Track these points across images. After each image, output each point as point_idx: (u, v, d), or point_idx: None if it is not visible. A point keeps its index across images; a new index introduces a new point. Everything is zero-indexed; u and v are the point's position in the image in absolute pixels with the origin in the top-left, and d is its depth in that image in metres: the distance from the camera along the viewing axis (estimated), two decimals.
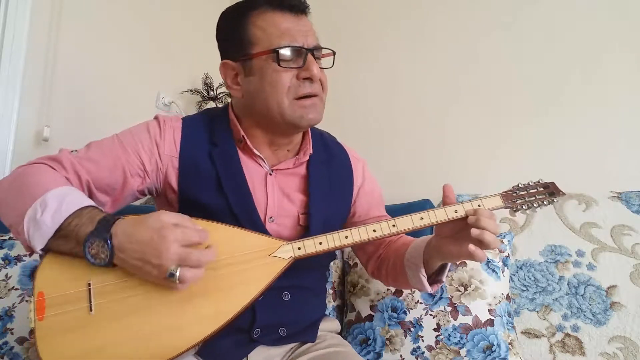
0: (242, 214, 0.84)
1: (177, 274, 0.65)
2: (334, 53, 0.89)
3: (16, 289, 1.16)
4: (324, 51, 0.88)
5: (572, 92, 1.55)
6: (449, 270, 0.87)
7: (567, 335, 1.18)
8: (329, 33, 2.00)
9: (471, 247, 0.74)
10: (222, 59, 0.90)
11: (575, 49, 1.56)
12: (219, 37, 0.91)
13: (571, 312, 1.20)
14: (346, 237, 0.78)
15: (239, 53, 0.85)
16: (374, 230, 0.79)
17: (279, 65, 0.81)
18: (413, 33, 1.84)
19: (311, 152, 0.94)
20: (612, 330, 1.15)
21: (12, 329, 1.13)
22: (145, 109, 1.77)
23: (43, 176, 0.75)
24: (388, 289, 1.23)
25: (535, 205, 0.83)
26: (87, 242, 0.68)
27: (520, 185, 0.84)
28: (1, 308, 1.15)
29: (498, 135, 1.64)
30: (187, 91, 1.91)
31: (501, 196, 0.82)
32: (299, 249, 0.77)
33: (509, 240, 1.29)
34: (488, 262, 1.22)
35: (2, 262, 1.20)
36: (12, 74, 1.31)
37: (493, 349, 1.10)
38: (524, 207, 0.82)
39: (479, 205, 0.79)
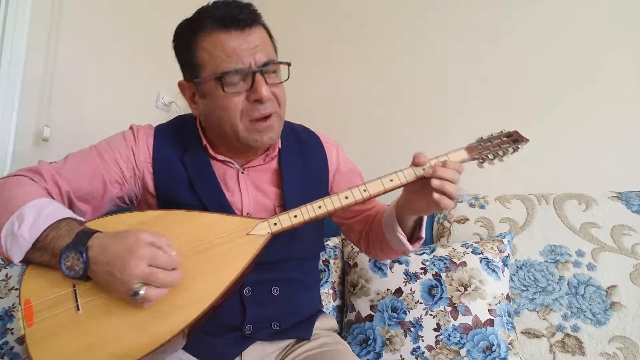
0: (216, 211, 0.85)
1: (142, 293, 0.65)
2: (288, 65, 0.85)
3: (16, 289, 1.17)
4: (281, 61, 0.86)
5: (573, 92, 1.55)
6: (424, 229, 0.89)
7: (567, 335, 1.18)
8: (332, 38, 2.01)
9: (435, 195, 0.75)
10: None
11: (576, 49, 1.56)
12: (175, 55, 0.90)
13: (571, 312, 1.20)
14: (319, 207, 0.79)
15: (190, 75, 0.86)
16: (346, 197, 0.80)
17: (224, 91, 0.80)
18: (417, 40, 1.84)
19: (279, 146, 0.95)
20: (612, 330, 1.15)
21: (12, 329, 1.13)
22: (145, 109, 1.77)
23: (21, 189, 0.76)
24: (388, 289, 1.23)
25: (501, 154, 0.84)
26: (64, 254, 0.68)
27: (483, 137, 0.85)
28: (1, 308, 1.15)
29: None
30: None
31: (466, 149, 0.83)
32: (275, 224, 0.78)
33: (509, 240, 1.29)
34: (488, 262, 1.22)
35: (2, 262, 1.20)
36: (12, 74, 1.31)
37: (493, 349, 1.10)
38: (489, 156, 0.83)
39: (446, 161, 0.80)
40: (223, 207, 0.87)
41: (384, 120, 1.86)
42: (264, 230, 0.78)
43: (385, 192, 0.80)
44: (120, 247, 0.67)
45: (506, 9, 1.68)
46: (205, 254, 0.75)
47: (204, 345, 0.84)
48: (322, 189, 0.99)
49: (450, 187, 0.75)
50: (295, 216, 0.78)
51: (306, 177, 0.96)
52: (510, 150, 0.84)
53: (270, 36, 0.87)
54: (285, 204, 0.90)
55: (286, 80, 0.86)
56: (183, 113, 1.84)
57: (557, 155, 1.53)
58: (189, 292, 0.72)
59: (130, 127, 0.93)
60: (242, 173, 0.92)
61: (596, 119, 1.51)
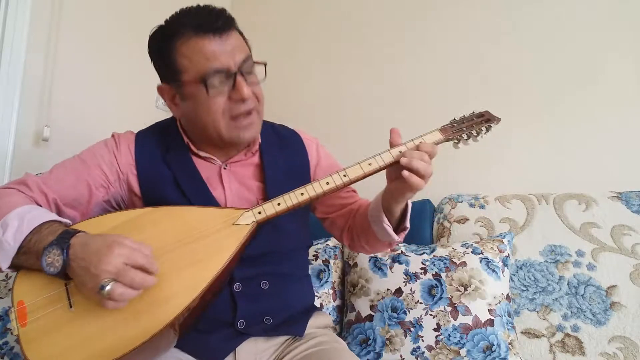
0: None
1: (107, 287, 0.64)
2: (265, 64, 0.89)
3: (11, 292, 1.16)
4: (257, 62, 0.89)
5: (573, 92, 1.55)
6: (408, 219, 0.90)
7: (567, 335, 1.18)
8: (332, 39, 2.01)
9: (405, 172, 0.76)
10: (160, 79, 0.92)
11: (576, 49, 1.56)
12: (151, 60, 0.92)
13: (571, 312, 1.20)
14: (302, 194, 0.81)
15: (170, 79, 0.88)
16: (327, 183, 0.81)
17: (208, 93, 0.82)
18: (416, 40, 1.84)
19: (260, 141, 0.97)
20: (612, 330, 1.15)
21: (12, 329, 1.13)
22: (145, 109, 1.77)
23: (6, 198, 0.79)
24: (388, 289, 1.23)
25: (474, 133, 0.86)
26: (45, 251, 0.69)
27: (456, 118, 0.88)
28: (1, 308, 1.15)
29: (499, 136, 1.63)
30: None
31: (439, 130, 0.85)
32: (260, 212, 0.80)
33: (509, 240, 1.29)
34: (488, 262, 1.22)
35: None
36: (12, 74, 1.31)
37: (493, 349, 1.10)
38: (463, 136, 0.85)
39: (421, 142, 0.82)
40: (208, 202, 0.89)
41: (383, 120, 1.86)
42: (248, 219, 0.79)
43: (365, 176, 0.82)
44: (100, 244, 0.68)
45: (506, 9, 1.68)
46: (192, 246, 0.76)
47: (197, 343, 0.84)
48: (304, 182, 1.01)
49: (417, 164, 0.76)
50: (279, 204, 0.80)
51: (288, 171, 0.98)
52: (484, 129, 0.86)
53: (245, 39, 0.90)
54: (268, 197, 0.91)
55: (263, 80, 0.90)
56: None
57: (557, 155, 1.53)
58: (177, 284, 0.72)
59: (112, 135, 0.97)
60: (225, 169, 0.94)
61: (596, 119, 1.50)
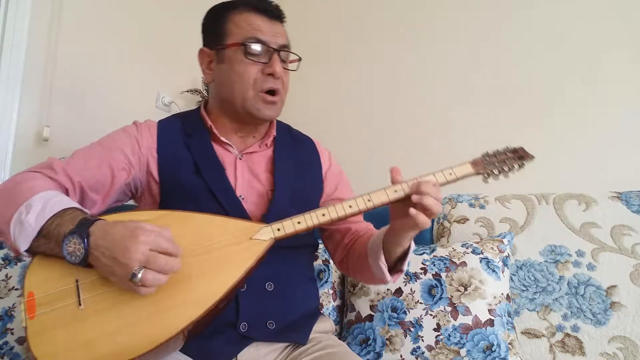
0: (219, 190, 0.90)
1: (140, 275, 0.65)
2: (299, 59, 0.98)
3: (16, 289, 1.17)
4: (292, 57, 0.98)
5: (573, 92, 1.55)
6: (408, 265, 0.90)
7: (567, 335, 1.18)
8: (331, 36, 2.01)
9: (412, 210, 0.75)
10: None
11: (575, 49, 1.56)
12: (202, 29, 1.00)
13: (571, 312, 1.20)
14: (323, 214, 0.79)
15: (214, 42, 0.95)
16: (350, 206, 0.80)
17: (246, 57, 0.90)
18: (415, 37, 1.84)
19: (274, 134, 1.01)
20: (612, 330, 1.15)
21: (12, 329, 1.13)
22: (145, 109, 1.77)
23: (32, 183, 0.79)
24: (388, 289, 1.23)
25: (506, 169, 0.83)
26: (66, 239, 0.69)
27: (489, 152, 0.85)
28: (1, 308, 1.15)
29: (499, 135, 1.64)
30: (187, 91, 1.91)
31: (471, 163, 0.83)
32: (279, 229, 0.78)
33: (509, 240, 1.29)
34: (488, 262, 1.22)
35: (2, 262, 1.20)
36: (12, 74, 1.31)
37: (493, 349, 1.10)
38: (494, 172, 0.83)
39: (450, 174, 0.81)
40: (224, 186, 0.91)
41: (383, 120, 1.86)
42: (267, 235, 0.78)
43: (390, 202, 0.80)
44: (122, 232, 0.68)
45: (507, 10, 1.68)
46: (208, 255, 0.75)
47: (200, 346, 0.83)
48: (314, 180, 1.04)
49: (429, 200, 0.75)
50: (299, 222, 0.79)
51: (298, 166, 1.01)
52: (516, 166, 0.84)
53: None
54: (276, 186, 0.95)
55: (294, 71, 0.98)
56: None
57: (557, 155, 1.53)
58: (190, 292, 0.72)
59: (133, 122, 0.99)
60: (240, 159, 0.97)
61: (596, 119, 1.51)
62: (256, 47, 0.90)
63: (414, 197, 0.76)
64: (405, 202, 0.78)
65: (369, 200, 0.80)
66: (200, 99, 1.91)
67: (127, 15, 1.68)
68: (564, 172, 1.50)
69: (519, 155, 0.85)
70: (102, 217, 0.73)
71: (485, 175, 0.83)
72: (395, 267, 0.90)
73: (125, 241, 0.67)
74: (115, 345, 0.68)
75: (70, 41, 1.46)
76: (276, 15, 0.95)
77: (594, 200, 1.32)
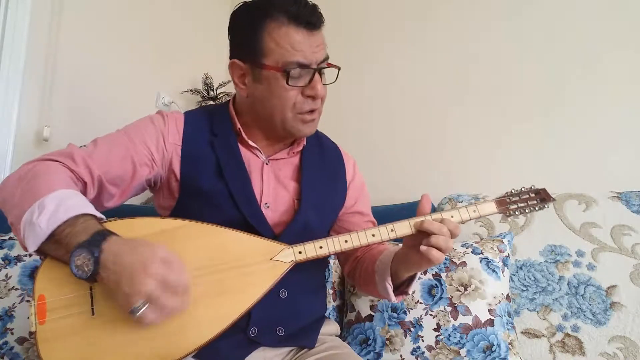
0: (240, 197, 0.87)
1: (139, 313, 0.63)
2: (338, 68, 0.91)
3: (16, 289, 1.16)
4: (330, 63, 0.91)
5: (572, 92, 1.55)
6: (417, 280, 0.91)
7: (567, 335, 1.18)
8: (330, 34, 2.01)
9: (422, 247, 0.76)
10: (231, 55, 0.91)
11: (575, 49, 1.56)
12: (231, 34, 0.91)
13: (571, 312, 1.20)
14: (346, 241, 0.79)
15: (249, 57, 0.86)
16: (373, 235, 0.80)
17: (288, 84, 0.83)
18: (414, 34, 1.84)
19: (304, 143, 0.98)
20: (612, 330, 1.15)
21: (12, 329, 1.13)
22: (145, 109, 1.77)
23: (49, 176, 0.75)
24: None
25: (527, 210, 0.86)
26: (75, 252, 0.66)
27: (513, 191, 0.88)
28: (1, 308, 1.15)
29: (498, 135, 1.64)
30: (187, 91, 1.91)
31: (495, 202, 0.86)
32: (300, 252, 0.78)
33: (509, 240, 1.29)
34: (488, 262, 1.22)
35: (2, 262, 1.20)
36: (12, 74, 1.31)
37: (493, 349, 1.10)
38: (516, 212, 0.86)
39: (474, 211, 0.83)
40: (247, 193, 0.88)
41: (384, 120, 1.86)
42: (288, 257, 0.77)
43: (411, 234, 0.80)
44: (132, 259, 0.65)
45: (506, 10, 1.68)
46: (227, 274, 0.73)
47: (206, 348, 0.83)
48: (339, 192, 1.01)
49: (437, 240, 0.76)
50: (321, 247, 0.79)
51: (324, 177, 0.98)
52: (537, 208, 0.87)
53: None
54: (302, 196, 0.92)
55: (332, 83, 0.92)
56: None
57: (557, 155, 1.53)
58: (206, 311, 0.70)
59: (159, 112, 0.94)
60: (267, 165, 0.94)
61: (596, 119, 1.50)
62: (296, 73, 0.83)
63: (429, 241, 0.76)
64: (421, 234, 0.79)
65: (392, 231, 0.80)
66: (200, 99, 1.91)
67: (127, 15, 1.68)
68: (564, 172, 1.50)
69: (541, 198, 0.87)
70: (116, 233, 0.70)
71: (507, 215, 0.87)
72: (400, 287, 0.90)
73: (134, 270, 0.63)
74: (128, 358, 0.67)
75: (70, 41, 1.46)
76: (317, 24, 0.85)
77: (594, 200, 1.32)
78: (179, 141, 0.90)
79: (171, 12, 1.89)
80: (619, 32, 1.51)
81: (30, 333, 0.70)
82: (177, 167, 0.89)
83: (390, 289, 0.87)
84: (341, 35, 1.96)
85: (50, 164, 0.78)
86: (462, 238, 1.38)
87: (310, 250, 0.78)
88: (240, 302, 0.73)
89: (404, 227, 0.80)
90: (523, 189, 0.88)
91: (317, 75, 0.85)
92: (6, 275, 1.18)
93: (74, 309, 0.69)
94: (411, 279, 0.89)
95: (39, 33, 1.37)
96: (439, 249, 0.76)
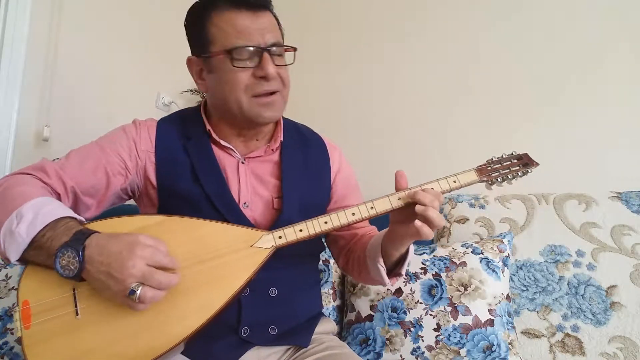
0: (217, 198, 0.87)
1: (139, 292, 0.64)
2: (294, 49, 0.89)
3: (16, 289, 1.16)
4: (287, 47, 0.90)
5: (572, 91, 1.55)
6: (408, 265, 0.88)
7: (567, 335, 1.18)
8: (330, 33, 2.01)
9: (417, 222, 0.74)
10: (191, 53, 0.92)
11: (575, 48, 1.56)
12: (186, 33, 0.93)
13: (571, 312, 1.20)
14: (325, 222, 0.78)
15: (200, 50, 0.88)
16: (353, 214, 0.79)
17: (233, 65, 0.83)
18: (414, 33, 1.84)
19: (281, 139, 0.96)
20: (612, 330, 1.15)
21: (12, 329, 1.13)
22: (145, 109, 1.77)
23: (23, 187, 0.76)
24: (388, 289, 1.23)
25: (510, 177, 0.83)
26: (59, 252, 0.67)
27: (494, 158, 0.84)
28: (1, 308, 1.15)
29: (498, 134, 1.64)
30: (187, 91, 1.91)
31: (476, 170, 0.83)
32: (280, 237, 0.77)
33: (509, 240, 1.29)
34: (488, 262, 1.22)
35: (2, 262, 1.20)
36: (12, 74, 1.31)
37: (493, 349, 1.10)
38: (499, 179, 0.83)
39: (454, 182, 0.80)
40: (224, 194, 0.88)
41: (383, 120, 1.86)
42: (268, 243, 0.77)
43: (393, 210, 0.79)
44: (118, 246, 0.67)
45: (507, 10, 1.68)
46: (208, 264, 0.74)
47: (200, 349, 0.82)
48: (323, 186, 1.00)
49: (433, 214, 0.74)
50: (301, 230, 0.78)
51: (307, 172, 0.96)
52: (520, 173, 0.83)
53: (278, 23, 0.90)
54: (284, 195, 0.91)
55: (291, 64, 0.90)
56: None
57: (557, 155, 1.53)
58: (189, 302, 0.71)
59: (133, 121, 0.95)
60: (243, 163, 0.93)
61: (596, 119, 1.51)
62: (242, 54, 0.82)
63: (418, 208, 0.74)
64: (407, 209, 0.78)
65: (372, 208, 0.79)
66: (200, 99, 1.91)
67: (127, 15, 1.68)
68: (563, 172, 1.50)
69: (524, 163, 0.84)
70: (97, 230, 0.71)
71: (490, 182, 0.83)
72: (394, 269, 0.89)
73: (122, 256, 0.65)
74: (114, 357, 0.67)
75: (70, 41, 1.46)
76: (259, 5, 0.84)
77: (594, 200, 1.32)
78: (151, 148, 0.90)
79: (171, 13, 1.89)
80: (619, 32, 1.51)
81: (18, 340, 0.70)
82: (152, 175, 0.89)
83: (383, 270, 0.86)
84: (341, 35, 1.96)
85: (23, 177, 0.79)
86: (463, 238, 1.38)
87: (290, 234, 0.77)
88: (223, 291, 0.73)
89: (384, 204, 0.79)
90: (504, 155, 0.85)
91: (266, 55, 0.83)
92: (6, 276, 1.18)
93: (58, 311, 0.70)
94: (403, 259, 0.87)
95: (39, 33, 1.37)
96: (433, 223, 0.74)
